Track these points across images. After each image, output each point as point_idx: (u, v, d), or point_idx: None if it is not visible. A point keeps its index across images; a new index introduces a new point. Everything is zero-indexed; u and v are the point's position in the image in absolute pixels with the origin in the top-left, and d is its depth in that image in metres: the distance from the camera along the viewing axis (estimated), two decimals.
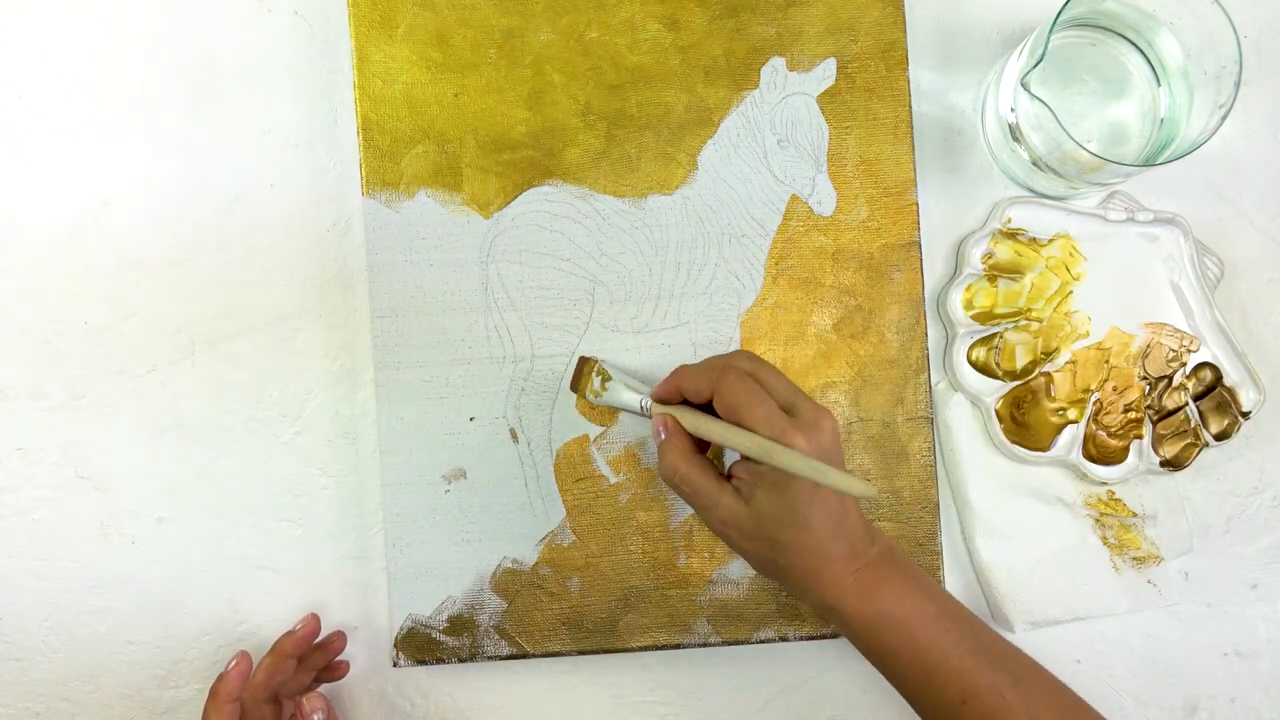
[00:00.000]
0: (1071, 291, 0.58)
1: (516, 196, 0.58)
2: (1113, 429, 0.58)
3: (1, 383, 0.60)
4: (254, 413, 0.60)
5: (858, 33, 0.58)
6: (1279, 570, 0.60)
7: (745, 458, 0.50)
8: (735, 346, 0.58)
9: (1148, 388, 0.58)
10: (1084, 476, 0.59)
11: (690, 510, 0.58)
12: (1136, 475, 0.59)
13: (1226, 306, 0.59)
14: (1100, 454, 0.58)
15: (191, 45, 0.60)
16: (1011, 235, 0.58)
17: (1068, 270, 0.58)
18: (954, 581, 0.60)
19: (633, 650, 0.58)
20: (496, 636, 0.58)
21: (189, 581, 0.60)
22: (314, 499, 0.60)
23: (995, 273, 0.58)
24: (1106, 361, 0.58)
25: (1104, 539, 0.59)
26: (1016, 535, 0.59)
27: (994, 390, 0.58)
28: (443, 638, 0.58)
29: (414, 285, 0.58)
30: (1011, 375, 0.58)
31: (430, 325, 0.58)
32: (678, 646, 0.58)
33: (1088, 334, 0.58)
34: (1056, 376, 0.58)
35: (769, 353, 0.58)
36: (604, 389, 0.55)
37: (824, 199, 0.58)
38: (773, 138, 0.58)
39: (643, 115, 0.58)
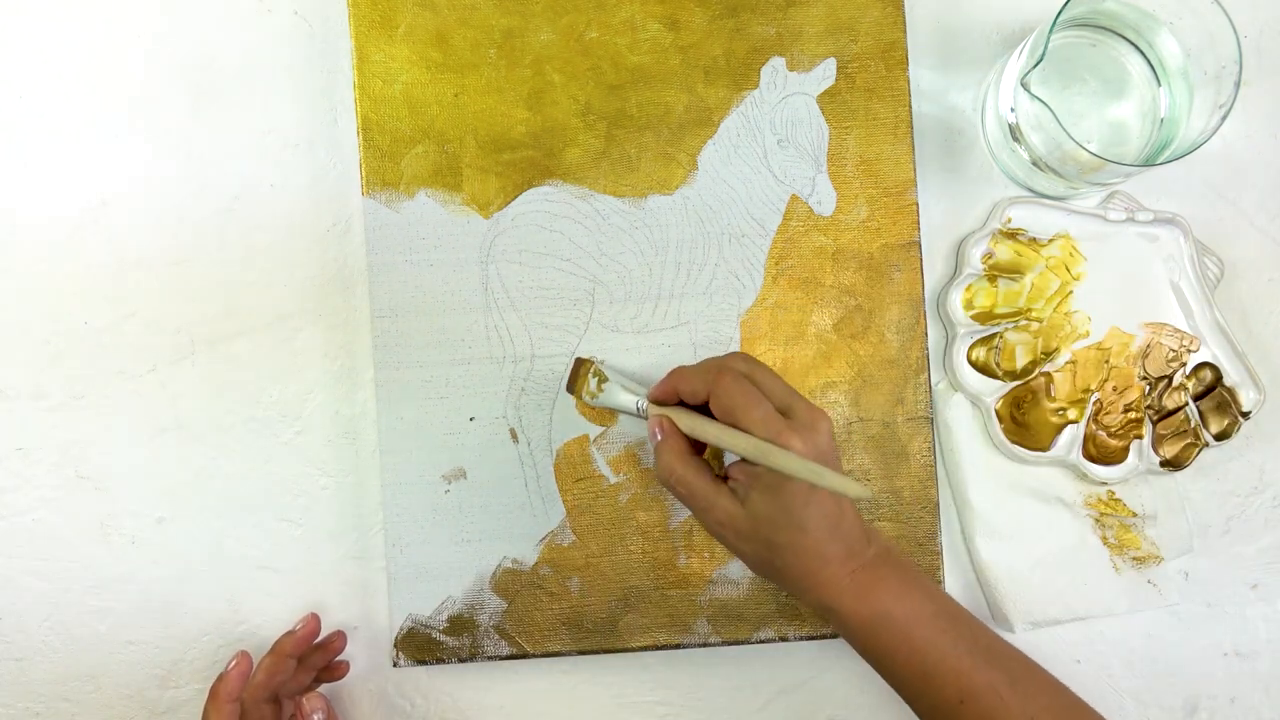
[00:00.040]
0: (1071, 291, 0.58)
1: (516, 196, 0.58)
2: (1113, 429, 0.58)
3: (1, 383, 0.60)
4: (254, 413, 0.60)
5: (858, 33, 0.58)
6: (1279, 570, 0.60)
7: (742, 459, 0.50)
8: (735, 347, 0.58)
9: (1148, 388, 0.58)
10: (1084, 476, 0.59)
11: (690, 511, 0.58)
12: (1136, 475, 0.59)
13: (1226, 306, 0.59)
14: (1100, 454, 0.58)
15: (191, 45, 0.60)
16: (1011, 235, 0.58)
17: (1068, 270, 0.58)
18: (954, 581, 0.60)
19: (633, 650, 0.58)
20: (496, 636, 0.58)
21: (189, 581, 0.60)
22: (314, 499, 0.60)
23: (995, 273, 0.58)
24: (1106, 361, 0.58)
25: (1104, 539, 0.59)
26: (1016, 535, 0.59)
27: (994, 390, 0.58)
28: (443, 638, 0.58)
29: (414, 285, 0.58)
30: (1011, 375, 0.58)
31: (430, 325, 0.58)
32: (678, 646, 0.58)
33: (1088, 334, 0.58)
34: (1056, 376, 0.58)
35: (769, 353, 0.58)
36: (600, 390, 0.55)
37: (824, 199, 0.58)
38: (773, 138, 0.58)
39: (643, 115, 0.58)
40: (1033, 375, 0.58)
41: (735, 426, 0.49)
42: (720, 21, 0.58)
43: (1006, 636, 0.53)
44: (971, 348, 0.58)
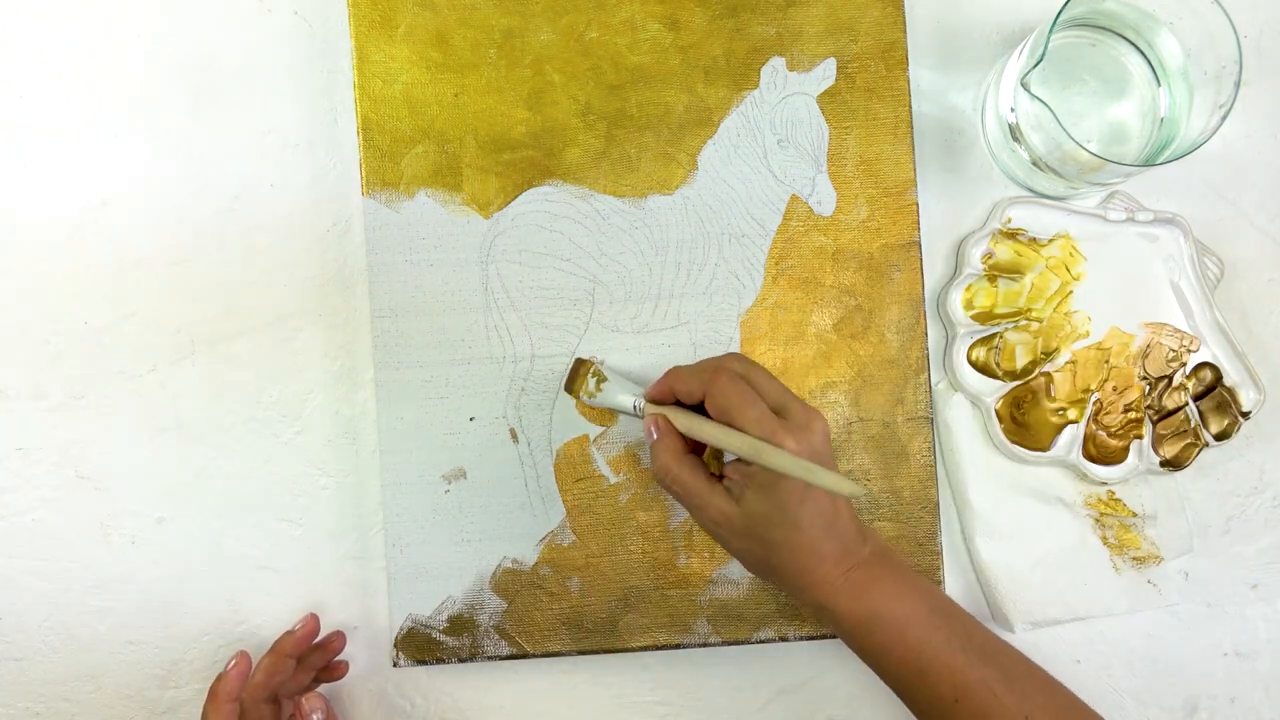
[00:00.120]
0: (1071, 291, 0.58)
1: (516, 196, 0.58)
2: (1113, 429, 0.58)
3: (1, 383, 0.60)
4: (254, 413, 0.60)
5: (858, 33, 0.58)
6: (1279, 570, 0.60)
7: (737, 459, 0.50)
8: (735, 347, 0.58)
9: (1148, 388, 0.58)
10: (1084, 476, 0.59)
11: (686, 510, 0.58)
12: (1136, 475, 0.59)
13: (1226, 306, 0.59)
14: (1100, 454, 0.58)
15: (191, 45, 0.60)
16: (1011, 235, 0.58)
17: (1068, 270, 0.58)
18: (954, 581, 0.60)
19: (633, 650, 0.58)
20: (496, 636, 0.58)
21: (189, 581, 0.60)
22: (314, 499, 0.60)
23: (995, 273, 0.58)
24: (1106, 361, 0.58)
25: (1104, 539, 0.59)
26: (1016, 535, 0.59)
27: (994, 390, 0.58)
28: (443, 638, 0.58)
29: (414, 285, 0.58)
30: (1011, 375, 0.58)
31: (430, 325, 0.58)
32: (678, 646, 0.58)
33: (1088, 334, 0.58)
34: (1056, 376, 0.58)
35: (769, 353, 0.58)
36: (599, 390, 0.55)
37: (824, 199, 0.58)
38: (773, 138, 0.58)
39: (643, 115, 0.58)
40: (1033, 375, 0.58)
41: (731, 426, 0.49)
42: (720, 21, 0.58)
43: (1006, 636, 0.53)
44: (971, 348, 0.58)
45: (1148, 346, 0.58)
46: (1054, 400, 0.58)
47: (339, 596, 0.60)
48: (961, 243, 0.59)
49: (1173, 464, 0.58)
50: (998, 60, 0.59)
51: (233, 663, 0.55)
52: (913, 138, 0.58)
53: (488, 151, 0.58)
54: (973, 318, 0.58)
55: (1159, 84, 0.57)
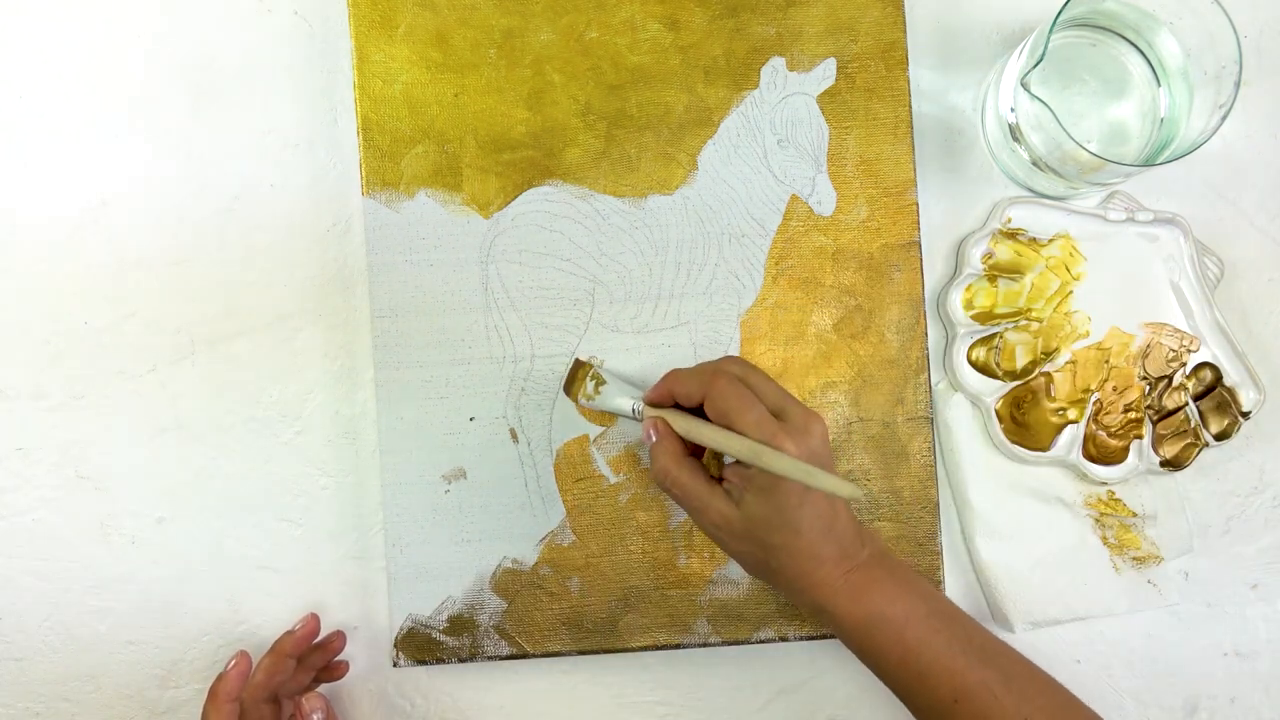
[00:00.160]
0: (1071, 291, 0.58)
1: (516, 196, 0.58)
2: (1113, 429, 0.58)
3: (1, 383, 0.60)
4: (254, 413, 0.60)
5: (858, 33, 0.58)
6: (1279, 570, 0.60)
7: (736, 461, 0.50)
8: (735, 347, 0.58)
9: (1148, 388, 0.58)
10: (1084, 476, 0.59)
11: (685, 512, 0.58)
12: (1136, 475, 0.59)
13: (1226, 306, 0.59)
14: (1100, 454, 0.58)
15: (191, 45, 0.60)
16: (1011, 235, 0.58)
17: (1068, 270, 0.58)
18: (954, 581, 0.60)
19: (633, 650, 0.58)
20: (496, 636, 0.58)
21: (189, 581, 0.60)
22: (314, 499, 0.60)
23: (995, 273, 0.58)
24: (1106, 361, 0.58)
25: (1104, 539, 0.59)
26: (1016, 535, 0.59)
27: (994, 390, 0.58)
28: (443, 638, 0.58)
29: (414, 285, 0.58)
30: (1011, 375, 0.58)
31: (430, 325, 0.58)
32: (678, 646, 0.58)
33: (1088, 334, 0.58)
34: (1056, 376, 0.58)
35: (769, 353, 0.58)
36: (597, 393, 0.56)
37: (824, 199, 0.58)
38: (773, 138, 0.58)
39: (643, 115, 0.58)
40: (1033, 375, 0.58)
41: (729, 429, 0.49)
42: (720, 21, 0.58)
43: (1006, 637, 0.53)
44: (971, 348, 0.58)
45: (1148, 346, 0.58)
46: (1054, 400, 0.58)
47: (339, 596, 0.60)
48: (961, 243, 0.59)
49: (1173, 464, 0.58)
50: (998, 60, 0.59)
51: (233, 663, 0.55)
52: (913, 138, 0.58)
53: (488, 151, 0.58)
54: (973, 318, 0.58)
55: (1159, 84, 0.57)
